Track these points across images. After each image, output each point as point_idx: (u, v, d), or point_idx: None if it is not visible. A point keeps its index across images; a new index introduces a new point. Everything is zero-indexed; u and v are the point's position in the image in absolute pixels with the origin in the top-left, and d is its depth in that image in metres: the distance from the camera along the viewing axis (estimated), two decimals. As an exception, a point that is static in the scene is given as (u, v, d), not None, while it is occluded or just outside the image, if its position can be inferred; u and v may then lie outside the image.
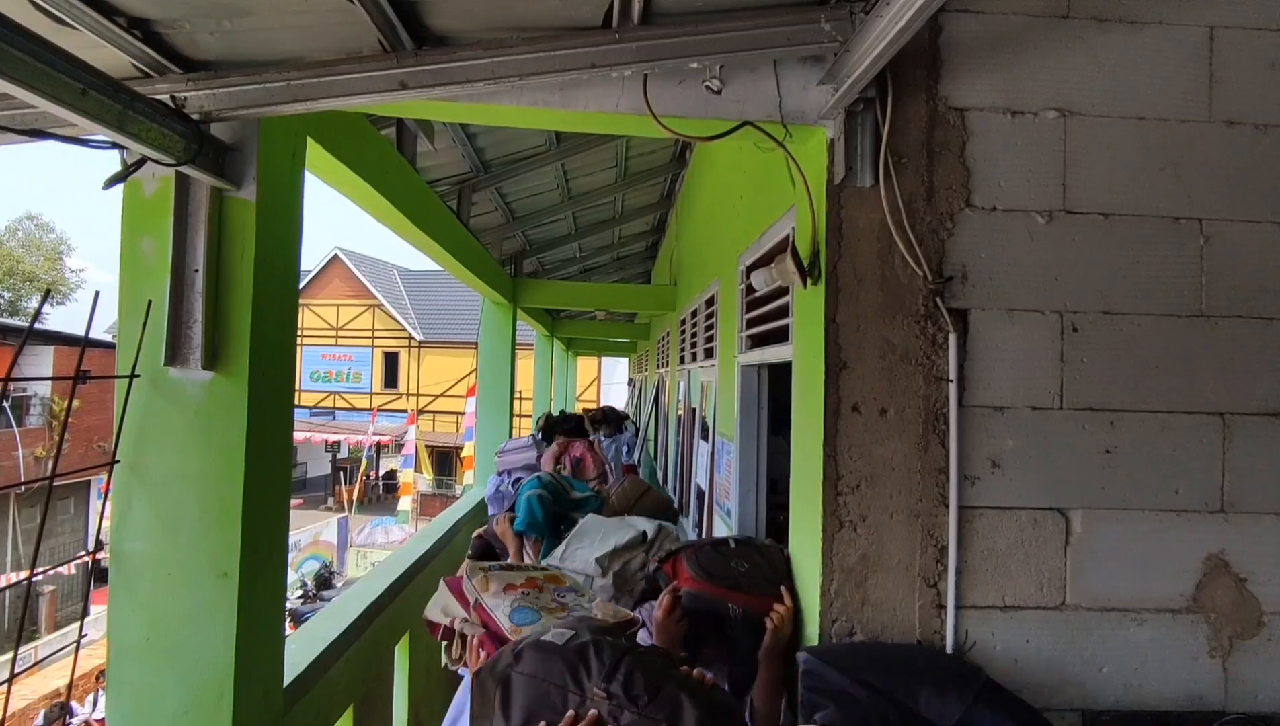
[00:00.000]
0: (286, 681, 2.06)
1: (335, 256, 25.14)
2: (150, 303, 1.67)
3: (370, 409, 21.64)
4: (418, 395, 23.98)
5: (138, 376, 1.67)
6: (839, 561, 1.79)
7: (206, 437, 1.71)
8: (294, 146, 1.93)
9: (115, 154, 1.61)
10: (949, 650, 1.76)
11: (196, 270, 1.68)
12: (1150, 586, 1.81)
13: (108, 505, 1.70)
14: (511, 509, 2.76)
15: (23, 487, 14.00)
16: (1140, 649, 1.80)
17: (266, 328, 1.79)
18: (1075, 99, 1.85)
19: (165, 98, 1.57)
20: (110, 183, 1.56)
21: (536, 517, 2.60)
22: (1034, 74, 1.85)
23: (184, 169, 1.58)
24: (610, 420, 6.78)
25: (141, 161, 1.57)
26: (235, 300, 1.72)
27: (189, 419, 1.70)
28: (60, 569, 14.80)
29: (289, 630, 2.29)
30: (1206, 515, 1.82)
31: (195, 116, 1.59)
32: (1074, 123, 1.85)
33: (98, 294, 1.53)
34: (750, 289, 2.58)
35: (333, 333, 24.94)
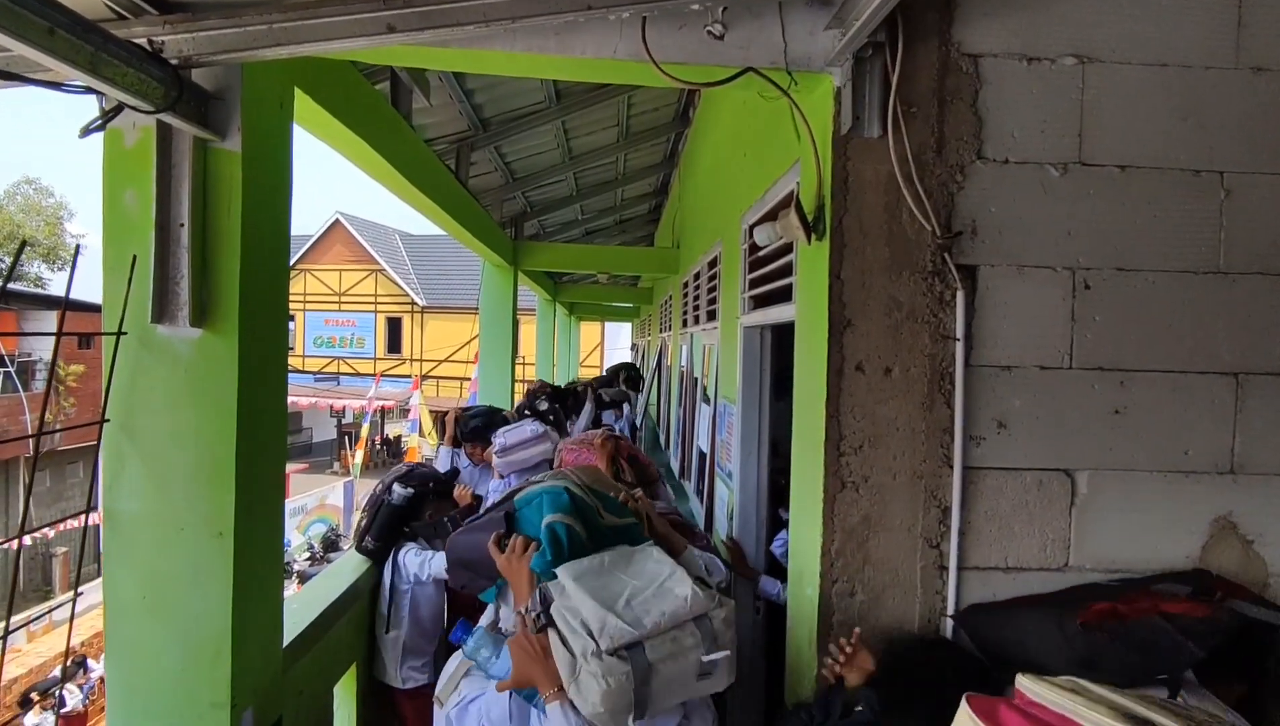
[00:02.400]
0: (287, 640, 2.06)
1: (337, 221, 24.91)
2: (135, 258, 1.62)
3: (374, 374, 21.67)
4: (421, 360, 23.99)
5: (124, 333, 1.63)
6: (840, 522, 1.77)
7: (197, 396, 1.67)
8: (281, 96, 1.86)
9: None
10: (950, 611, 1.75)
11: (182, 224, 1.63)
12: (1156, 548, 1.78)
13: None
14: (509, 529, 1.69)
15: (31, 449, 14.14)
16: (1144, 610, 1.78)
17: (256, 283, 1.74)
18: (1094, 45, 1.76)
19: (142, 41, 1.49)
20: (87, 130, 1.49)
21: (564, 558, 1.57)
22: (1052, 18, 1.76)
23: (164, 117, 1.52)
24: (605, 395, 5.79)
25: (119, 108, 1.51)
26: (223, 255, 1.67)
27: (179, 377, 1.67)
28: (65, 526, 15.00)
29: (296, 591, 2.28)
30: (1216, 477, 1.79)
31: (174, 61, 1.52)
32: (1092, 70, 1.77)
33: (79, 247, 1.47)
34: (754, 248, 2.52)
35: (335, 298, 24.85)
